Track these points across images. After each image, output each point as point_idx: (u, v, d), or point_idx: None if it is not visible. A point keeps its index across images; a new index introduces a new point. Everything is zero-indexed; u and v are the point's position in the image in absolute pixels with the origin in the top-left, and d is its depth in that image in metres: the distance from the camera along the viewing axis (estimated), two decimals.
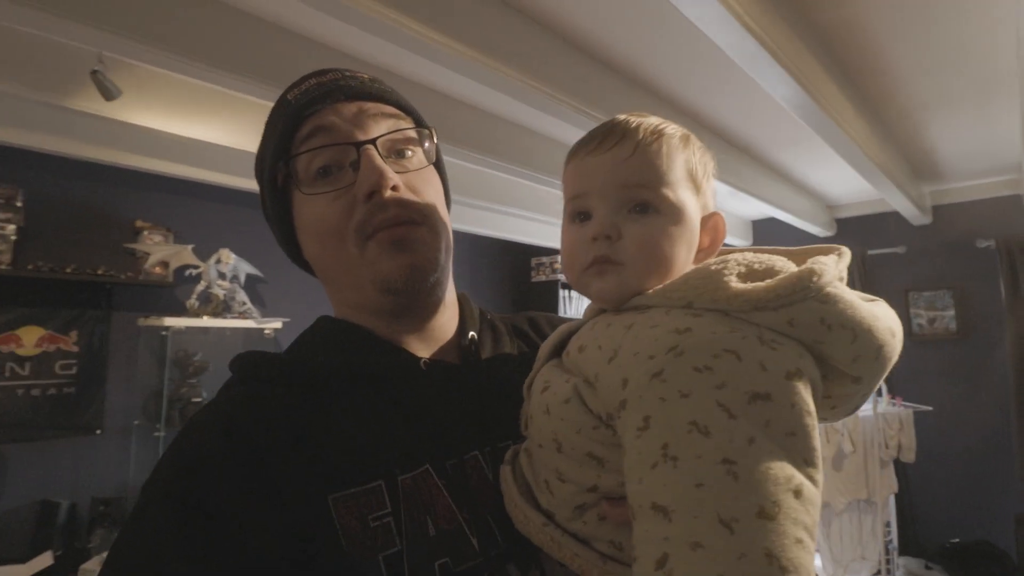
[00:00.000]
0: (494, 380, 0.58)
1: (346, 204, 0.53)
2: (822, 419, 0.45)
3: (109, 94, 1.67)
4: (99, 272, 2.58)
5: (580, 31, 1.94)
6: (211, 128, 2.41)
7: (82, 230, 2.68)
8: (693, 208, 0.49)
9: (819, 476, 0.36)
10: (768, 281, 0.40)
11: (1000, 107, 2.56)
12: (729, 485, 0.34)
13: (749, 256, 0.45)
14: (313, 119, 0.54)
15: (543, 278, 4.70)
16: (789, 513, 0.33)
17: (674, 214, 0.47)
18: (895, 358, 0.43)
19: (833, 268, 0.41)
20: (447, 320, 0.61)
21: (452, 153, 2.43)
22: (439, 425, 0.52)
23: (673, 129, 0.50)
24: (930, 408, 3.40)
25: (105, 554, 0.45)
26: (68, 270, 2.55)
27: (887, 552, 3.20)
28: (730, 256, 0.45)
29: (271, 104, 0.61)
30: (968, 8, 1.81)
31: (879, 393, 3.35)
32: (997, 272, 3.59)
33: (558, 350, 0.51)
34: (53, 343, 2.70)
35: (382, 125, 0.55)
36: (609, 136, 0.49)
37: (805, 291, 0.39)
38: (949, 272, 3.79)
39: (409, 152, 0.57)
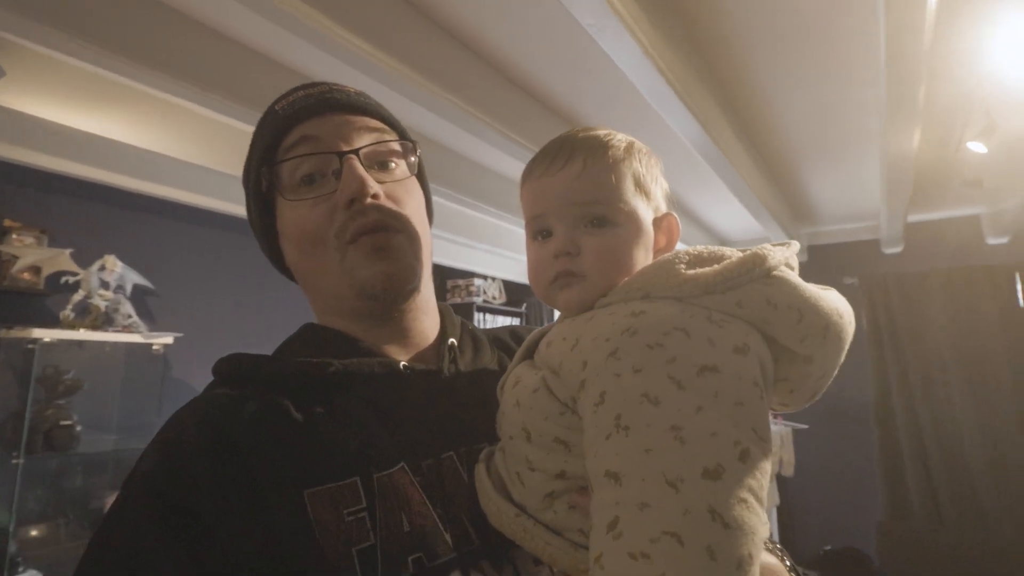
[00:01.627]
0: (472, 385, 0.60)
1: (327, 210, 0.55)
2: (783, 404, 0.48)
3: None
4: None
5: (501, 54, 2.01)
6: (102, 120, 2.20)
7: None
8: (644, 213, 0.52)
9: (768, 445, 0.38)
10: (716, 266, 0.43)
11: (863, 162, 2.94)
12: (676, 449, 0.35)
13: (699, 247, 0.48)
14: (299, 129, 0.56)
15: (459, 300, 4.70)
16: (734, 474, 0.35)
17: (627, 223, 0.50)
18: (846, 338, 0.46)
19: (779, 255, 0.45)
20: (427, 327, 0.63)
21: None
22: (416, 426, 0.53)
23: (617, 141, 0.53)
24: (806, 426, 3.75)
25: None
26: None
27: None
28: (680, 249, 0.49)
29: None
30: (841, 72, 2.09)
31: None
32: (860, 306, 4.06)
33: (530, 353, 0.53)
34: None
35: (366, 137, 0.58)
36: (558, 156, 0.52)
37: (750, 273, 0.42)
38: None
39: (392, 164, 0.60)
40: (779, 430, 3.59)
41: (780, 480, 3.67)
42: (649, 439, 0.36)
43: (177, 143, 2.36)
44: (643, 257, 0.51)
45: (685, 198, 3.61)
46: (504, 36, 1.87)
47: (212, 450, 0.46)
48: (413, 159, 0.62)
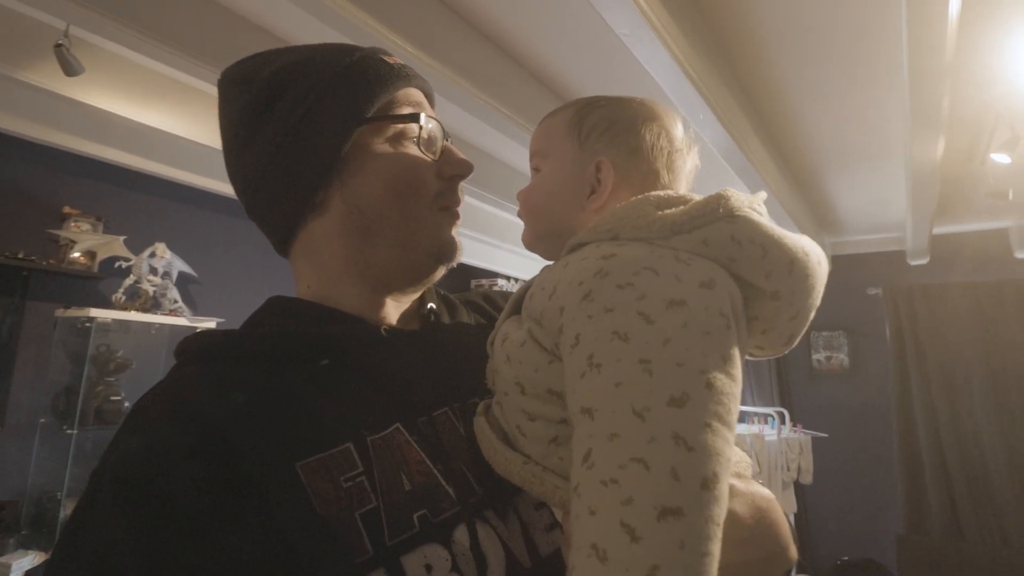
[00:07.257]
0: (455, 343, 0.60)
1: (434, 172, 0.58)
2: (760, 347, 0.49)
3: (72, 70, 1.63)
4: (18, 256, 2.42)
5: (535, 56, 2.11)
6: (160, 115, 2.36)
7: (1, 210, 2.51)
8: (572, 157, 0.55)
9: (737, 372, 0.39)
10: (682, 207, 0.45)
11: (888, 172, 2.97)
12: (644, 380, 0.37)
13: (668, 191, 0.50)
14: (411, 91, 0.59)
15: None
16: (699, 401, 0.36)
17: (549, 169, 0.56)
18: (815, 276, 0.46)
19: (744, 197, 0.46)
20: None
21: None
22: (405, 386, 0.53)
23: (580, 101, 0.57)
24: (826, 435, 3.75)
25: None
26: None
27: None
28: (651, 192, 0.50)
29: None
30: (866, 81, 2.14)
31: (783, 421, 3.66)
32: (883, 317, 4.05)
33: (517, 308, 0.53)
34: None
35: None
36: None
37: (714, 212, 0.43)
38: (844, 315, 4.23)
39: None
40: (798, 438, 3.60)
41: (798, 488, 3.68)
42: (619, 373, 0.37)
43: None
44: (570, 200, 0.54)
45: None
46: (539, 40, 1.97)
47: (187, 434, 0.43)
48: None
